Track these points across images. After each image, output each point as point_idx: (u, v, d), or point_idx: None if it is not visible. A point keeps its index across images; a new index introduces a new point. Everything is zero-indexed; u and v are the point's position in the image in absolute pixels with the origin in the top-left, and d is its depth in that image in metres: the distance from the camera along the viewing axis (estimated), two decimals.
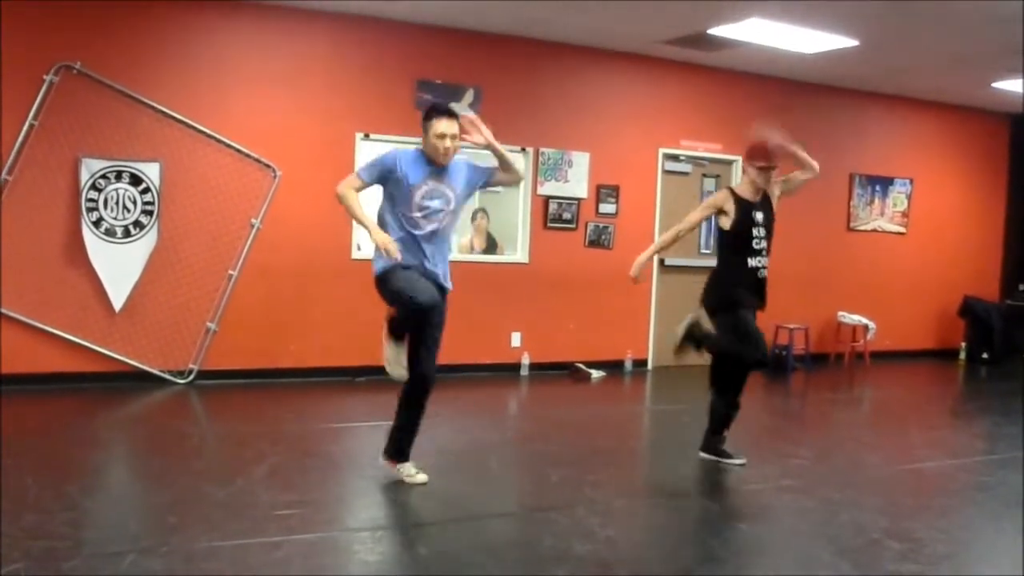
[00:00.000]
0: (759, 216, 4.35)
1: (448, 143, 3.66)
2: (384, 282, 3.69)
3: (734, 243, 4.34)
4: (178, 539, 3.16)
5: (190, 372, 6.18)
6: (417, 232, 3.70)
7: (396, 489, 3.89)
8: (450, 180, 3.78)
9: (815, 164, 4.50)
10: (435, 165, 3.73)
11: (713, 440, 4.47)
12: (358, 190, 3.72)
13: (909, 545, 3.42)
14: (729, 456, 4.41)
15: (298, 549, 3.13)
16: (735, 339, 4.27)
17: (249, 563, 3.00)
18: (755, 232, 4.32)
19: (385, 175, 3.70)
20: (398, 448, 3.91)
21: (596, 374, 7.30)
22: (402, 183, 3.67)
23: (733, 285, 4.34)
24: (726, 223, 4.35)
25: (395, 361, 3.69)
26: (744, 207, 4.32)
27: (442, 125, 3.65)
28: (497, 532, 3.46)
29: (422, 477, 3.86)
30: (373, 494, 3.92)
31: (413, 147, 3.84)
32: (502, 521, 3.58)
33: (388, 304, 3.75)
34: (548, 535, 3.37)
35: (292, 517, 3.45)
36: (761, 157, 4.33)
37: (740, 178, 4.50)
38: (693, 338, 4.44)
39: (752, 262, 4.32)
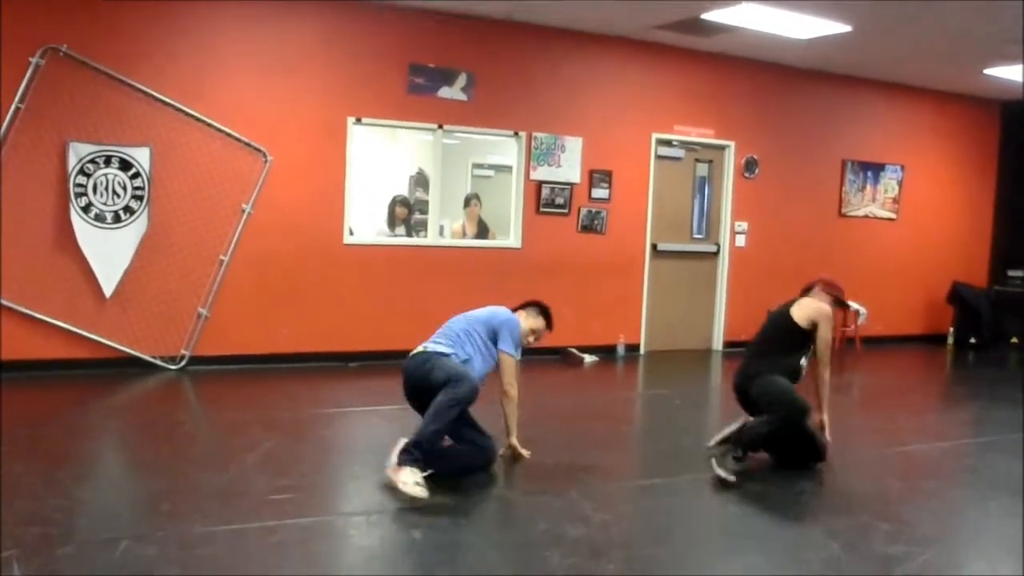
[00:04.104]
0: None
1: (532, 339, 4.24)
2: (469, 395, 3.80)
3: (803, 341, 4.30)
4: (172, 525, 3.16)
5: (182, 358, 6.16)
6: None
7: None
8: None
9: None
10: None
11: (736, 450, 4.17)
12: None
13: (898, 527, 3.46)
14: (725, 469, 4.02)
15: (293, 534, 3.14)
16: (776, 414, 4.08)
17: (244, 548, 3.01)
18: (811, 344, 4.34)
19: None
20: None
21: (589, 359, 7.32)
22: None
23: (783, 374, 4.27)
24: (806, 323, 4.28)
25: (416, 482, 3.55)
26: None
27: (544, 327, 4.25)
28: (491, 516, 3.48)
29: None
30: (367, 479, 3.92)
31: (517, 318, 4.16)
32: (496, 505, 3.59)
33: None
34: (542, 519, 3.39)
35: (287, 502, 3.46)
36: (841, 291, 4.57)
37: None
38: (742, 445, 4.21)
39: (803, 361, 4.34)
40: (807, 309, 4.32)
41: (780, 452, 4.26)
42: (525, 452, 4.16)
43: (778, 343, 4.32)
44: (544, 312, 4.28)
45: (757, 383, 4.19)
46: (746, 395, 4.29)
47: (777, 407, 4.06)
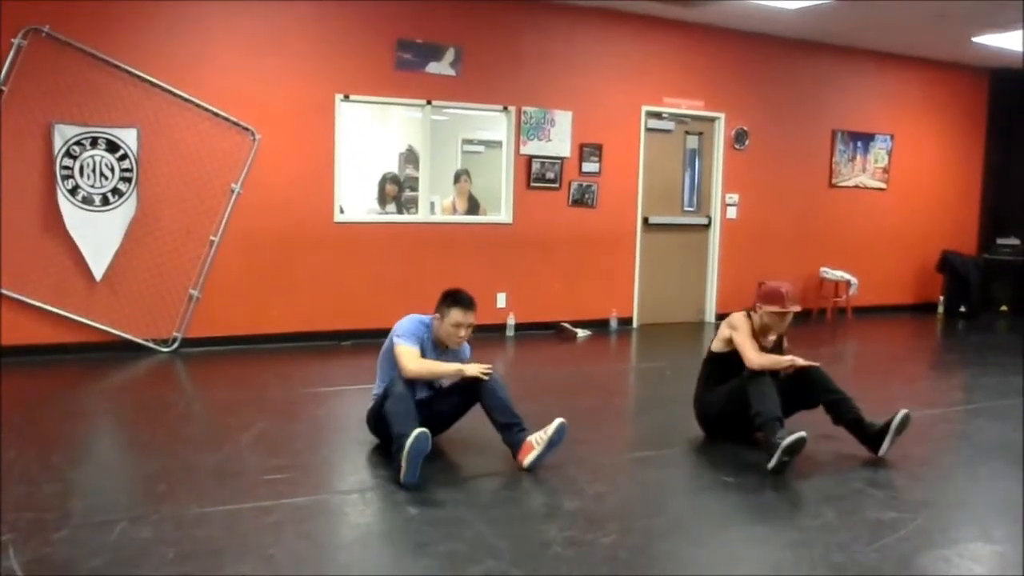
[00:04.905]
0: None
1: (463, 333, 3.83)
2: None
3: (715, 369, 4.17)
4: (168, 507, 3.16)
5: (174, 340, 6.14)
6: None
7: (383, 452, 3.91)
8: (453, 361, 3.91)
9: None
10: (443, 348, 3.89)
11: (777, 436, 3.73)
12: (420, 355, 3.79)
13: (890, 493, 3.50)
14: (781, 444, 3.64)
15: (289, 513, 3.15)
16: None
17: (241, 528, 3.02)
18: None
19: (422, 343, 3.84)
20: None
21: (582, 333, 7.34)
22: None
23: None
24: (720, 345, 4.13)
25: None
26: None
27: (460, 315, 3.79)
28: (487, 490, 3.50)
29: None
30: (361, 456, 3.94)
31: (426, 321, 3.89)
32: (492, 480, 3.61)
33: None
34: (538, 492, 3.41)
35: (282, 481, 3.46)
36: (776, 301, 4.04)
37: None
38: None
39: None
40: (721, 332, 4.18)
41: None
42: (483, 367, 3.79)
43: (711, 376, 4.21)
44: (451, 298, 3.82)
45: (709, 402, 4.16)
46: (708, 420, 4.22)
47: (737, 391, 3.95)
